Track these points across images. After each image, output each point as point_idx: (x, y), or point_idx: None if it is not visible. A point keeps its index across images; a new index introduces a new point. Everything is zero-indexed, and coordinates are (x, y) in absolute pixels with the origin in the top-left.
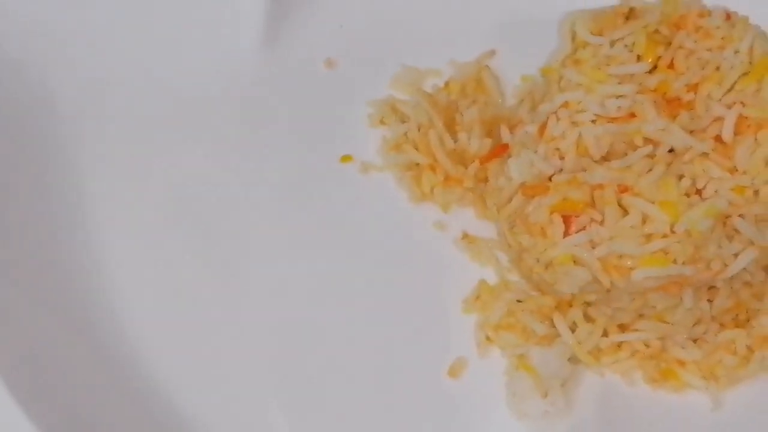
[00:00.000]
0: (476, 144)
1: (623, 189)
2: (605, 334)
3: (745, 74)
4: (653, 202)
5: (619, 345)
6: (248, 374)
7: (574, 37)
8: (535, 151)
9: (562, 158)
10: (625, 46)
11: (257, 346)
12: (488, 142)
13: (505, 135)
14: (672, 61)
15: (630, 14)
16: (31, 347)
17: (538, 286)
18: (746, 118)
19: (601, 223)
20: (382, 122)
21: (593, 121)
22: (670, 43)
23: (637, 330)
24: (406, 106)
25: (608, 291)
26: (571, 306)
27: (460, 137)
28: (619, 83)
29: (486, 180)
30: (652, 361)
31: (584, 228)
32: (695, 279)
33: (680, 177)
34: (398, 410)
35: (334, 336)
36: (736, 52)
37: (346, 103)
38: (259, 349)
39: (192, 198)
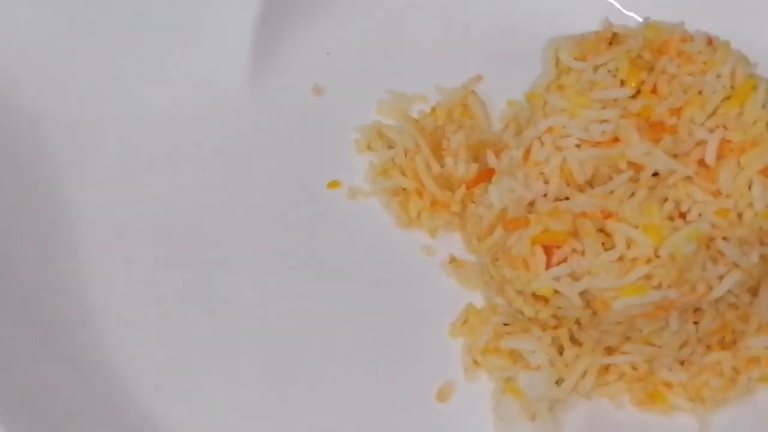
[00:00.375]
0: (463, 169)
1: (607, 215)
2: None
3: (727, 98)
4: (637, 227)
5: (607, 368)
6: (234, 397)
7: (557, 63)
8: (523, 175)
9: (546, 183)
10: (609, 71)
11: (244, 370)
12: (474, 167)
13: (491, 160)
14: (655, 85)
15: (613, 40)
16: (11, 366)
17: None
18: (729, 141)
19: (583, 253)
20: (369, 148)
21: (577, 146)
22: (652, 68)
23: (624, 353)
24: (393, 131)
25: (594, 315)
26: (557, 328)
27: (447, 162)
28: (603, 108)
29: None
30: (639, 384)
31: (566, 259)
32: (681, 302)
33: (664, 201)
34: None
35: (322, 360)
36: (718, 76)
37: (334, 130)
38: (247, 374)
39: (180, 225)
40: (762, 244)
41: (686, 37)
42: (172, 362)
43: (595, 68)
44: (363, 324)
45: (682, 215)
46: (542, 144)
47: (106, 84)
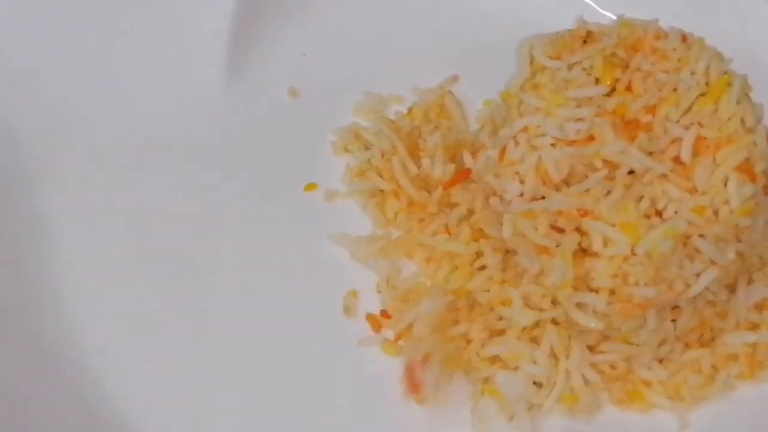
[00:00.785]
0: (439, 169)
1: (583, 213)
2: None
3: (702, 95)
4: (613, 225)
5: None
6: (213, 400)
7: (532, 62)
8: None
9: (522, 182)
10: (583, 69)
11: (223, 373)
12: (451, 167)
13: (468, 160)
14: (629, 83)
15: (587, 38)
16: None
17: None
18: (704, 138)
19: None
20: (345, 150)
21: (553, 145)
22: (627, 66)
23: (602, 351)
24: (370, 133)
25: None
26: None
27: (424, 163)
28: (578, 106)
29: (450, 205)
30: (618, 383)
31: None
32: (658, 300)
33: (640, 199)
34: None
35: (298, 365)
36: (693, 73)
37: (310, 132)
38: (226, 377)
39: (156, 228)
40: (738, 240)
41: (660, 35)
42: (150, 366)
43: (570, 66)
44: (343, 325)
45: (659, 213)
46: (517, 143)
47: (81, 87)
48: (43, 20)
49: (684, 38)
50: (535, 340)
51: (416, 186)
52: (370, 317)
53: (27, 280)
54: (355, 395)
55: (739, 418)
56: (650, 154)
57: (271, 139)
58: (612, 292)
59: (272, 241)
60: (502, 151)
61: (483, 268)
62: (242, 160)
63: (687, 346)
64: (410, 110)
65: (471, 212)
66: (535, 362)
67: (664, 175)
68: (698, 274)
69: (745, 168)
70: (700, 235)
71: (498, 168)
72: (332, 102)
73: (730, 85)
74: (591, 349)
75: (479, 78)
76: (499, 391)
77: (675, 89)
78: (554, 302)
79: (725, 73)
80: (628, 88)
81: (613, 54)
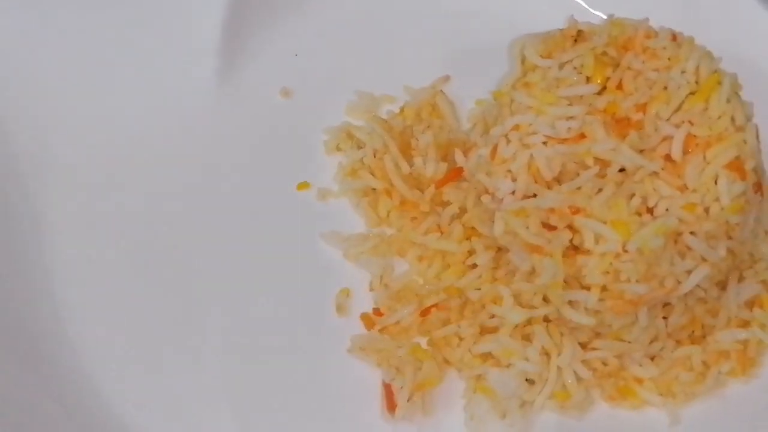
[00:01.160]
0: (432, 168)
1: (575, 210)
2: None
3: (692, 93)
4: (605, 222)
5: None
6: (204, 400)
7: (523, 61)
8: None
9: (514, 180)
10: (574, 68)
11: (215, 375)
12: (444, 166)
13: (460, 159)
14: (620, 81)
15: (578, 37)
16: None
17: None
18: (695, 136)
19: None
20: (338, 149)
21: (544, 143)
22: (618, 65)
23: (594, 348)
24: (362, 132)
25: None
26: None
27: (416, 162)
28: (569, 105)
29: (442, 204)
30: (609, 379)
31: None
32: (649, 297)
33: (631, 196)
34: None
35: (290, 363)
36: (683, 72)
37: (303, 131)
38: (217, 380)
39: (149, 227)
40: (729, 238)
41: (651, 34)
42: (142, 365)
43: (561, 65)
44: (335, 323)
45: (650, 210)
46: (509, 142)
47: (73, 89)
48: (31, 18)
49: (674, 37)
50: (527, 338)
51: (408, 185)
52: (364, 316)
53: (19, 281)
54: (347, 394)
55: (730, 414)
56: (641, 151)
57: (264, 138)
58: (603, 289)
59: (265, 240)
60: (494, 149)
61: (475, 266)
62: (235, 160)
63: (678, 343)
64: (402, 110)
65: (463, 210)
66: (527, 359)
67: (655, 173)
68: (689, 271)
69: (736, 166)
70: (691, 233)
71: (490, 166)
72: (324, 102)
73: (720, 83)
74: (583, 346)
75: (471, 78)
76: (491, 388)
77: (665, 88)
78: (546, 300)
79: (715, 71)
80: (619, 87)
81: (604, 53)
